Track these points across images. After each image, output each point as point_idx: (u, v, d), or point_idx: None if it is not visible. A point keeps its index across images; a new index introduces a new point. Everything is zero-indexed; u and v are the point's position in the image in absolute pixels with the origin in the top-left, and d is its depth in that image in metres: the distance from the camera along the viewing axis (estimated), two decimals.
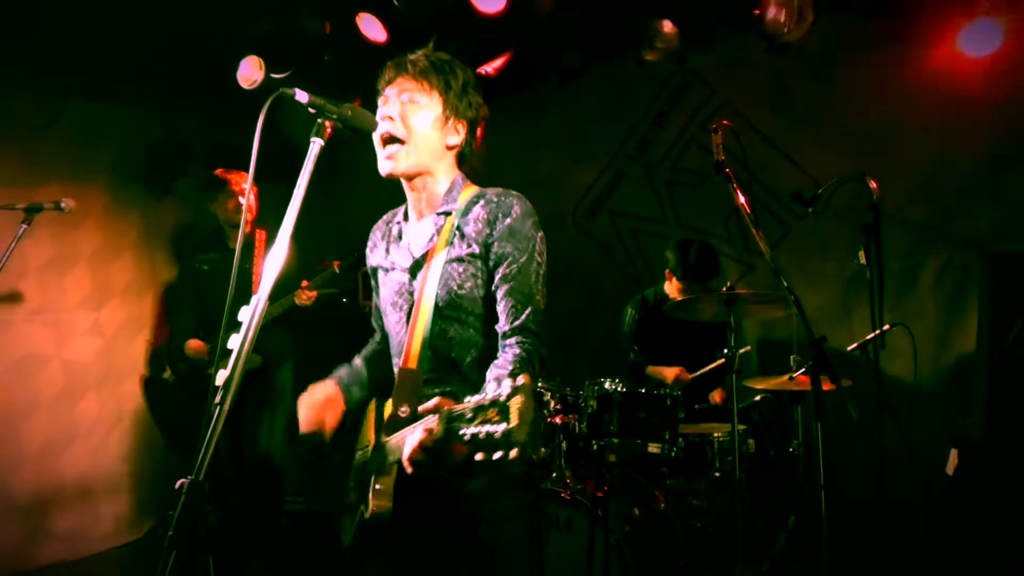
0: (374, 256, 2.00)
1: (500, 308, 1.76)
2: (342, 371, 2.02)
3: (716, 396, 3.57)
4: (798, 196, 3.23)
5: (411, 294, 1.84)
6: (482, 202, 1.82)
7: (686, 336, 3.71)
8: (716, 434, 3.20)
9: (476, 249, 1.78)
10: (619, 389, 2.99)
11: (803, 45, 3.79)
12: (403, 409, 1.66)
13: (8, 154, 4.05)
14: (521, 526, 1.79)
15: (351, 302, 4.93)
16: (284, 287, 3.60)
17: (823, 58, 3.92)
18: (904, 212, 3.72)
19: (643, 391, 3.01)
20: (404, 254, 1.89)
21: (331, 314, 4.76)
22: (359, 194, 5.62)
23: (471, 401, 1.32)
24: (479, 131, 1.92)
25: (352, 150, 5.21)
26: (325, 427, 1.89)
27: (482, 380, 1.67)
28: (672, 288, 3.76)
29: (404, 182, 1.89)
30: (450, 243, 1.80)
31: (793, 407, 3.27)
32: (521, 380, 1.27)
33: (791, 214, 4.07)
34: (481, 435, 1.27)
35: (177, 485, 1.35)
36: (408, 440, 1.51)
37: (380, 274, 1.97)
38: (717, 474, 3.16)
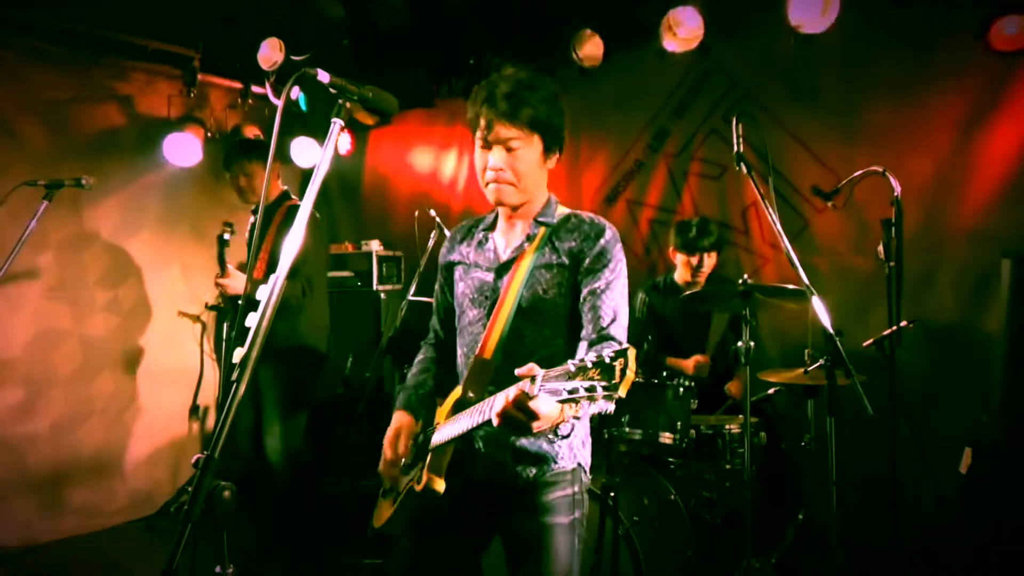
0: (455, 252, 2.08)
1: (588, 318, 1.84)
2: (409, 394, 2.06)
3: (732, 388, 3.56)
4: (818, 190, 3.22)
5: (495, 291, 1.93)
6: (575, 220, 1.96)
7: (696, 325, 3.71)
8: (728, 426, 3.19)
9: (566, 260, 1.89)
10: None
11: (827, 37, 3.75)
12: (471, 395, 1.75)
13: (31, 130, 4.09)
14: (565, 519, 1.84)
15: (366, 285, 4.95)
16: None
17: (847, 50, 3.88)
18: (925, 208, 3.68)
19: (655, 381, 3.01)
20: (489, 256, 1.99)
21: (345, 297, 4.80)
22: (375, 178, 5.65)
23: (570, 363, 1.38)
24: (568, 131, 1.98)
25: (367, 136, 5.22)
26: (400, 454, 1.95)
27: None
28: (681, 271, 3.74)
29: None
30: (540, 250, 1.91)
31: (806, 401, 3.26)
32: (626, 347, 1.35)
33: (811, 207, 4.04)
34: (581, 390, 1.33)
35: (193, 460, 1.37)
36: (498, 396, 1.59)
37: (458, 270, 2.05)
38: (728, 466, 3.16)
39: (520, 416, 1.53)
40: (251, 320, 1.55)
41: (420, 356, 2.18)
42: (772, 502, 3.25)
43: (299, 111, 4.66)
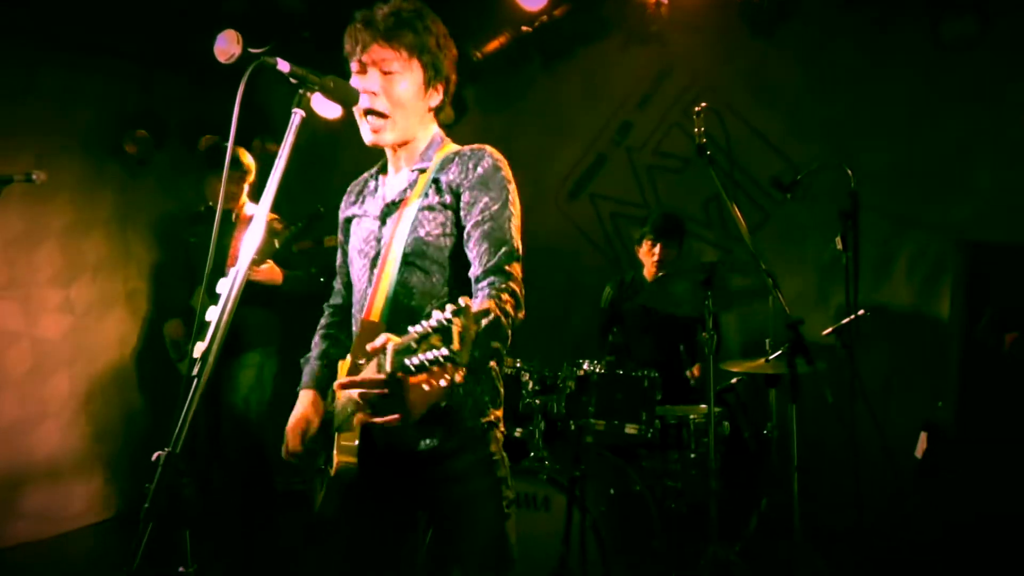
0: (348, 208, 1.98)
1: (473, 254, 1.72)
2: (312, 368, 1.96)
3: (695, 370, 3.61)
4: (777, 182, 3.27)
5: (378, 241, 1.82)
6: (456, 157, 1.81)
7: (657, 325, 3.76)
8: (692, 416, 3.23)
9: (448, 199, 1.76)
10: (597, 370, 3.01)
11: (784, 32, 3.83)
12: (361, 362, 1.55)
13: None
14: (484, 484, 1.75)
15: (328, 280, 4.89)
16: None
17: (805, 45, 3.95)
18: (881, 199, 3.77)
19: (621, 372, 3.04)
20: (377, 203, 1.88)
21: (307, 292, 4.73)
22: (340, 179, 5.59)
23: (413, 331, 1.28)
24: (454, 77, 1.87)
25: (333, 138, 5.16)
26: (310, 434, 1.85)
27: None
28: (646, 264, 3.80)
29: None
30: (424, 194, 1.78)
31: (768, 390, 3.32)
32: (462, 302, 1.23)
33: (770, 200, 4.11)
34: (426, 361, 1.24)
35: (153, 457, 1.34)
36: (354, 379, 1.50)
37: (352, 225, 1.94)
38: (692, 455, 3.20)
39: (385, 400, 1.43)
40: (211, 314, 1.52)
41: (321, 322, 2.05)
42: (736, 490, 3.31)
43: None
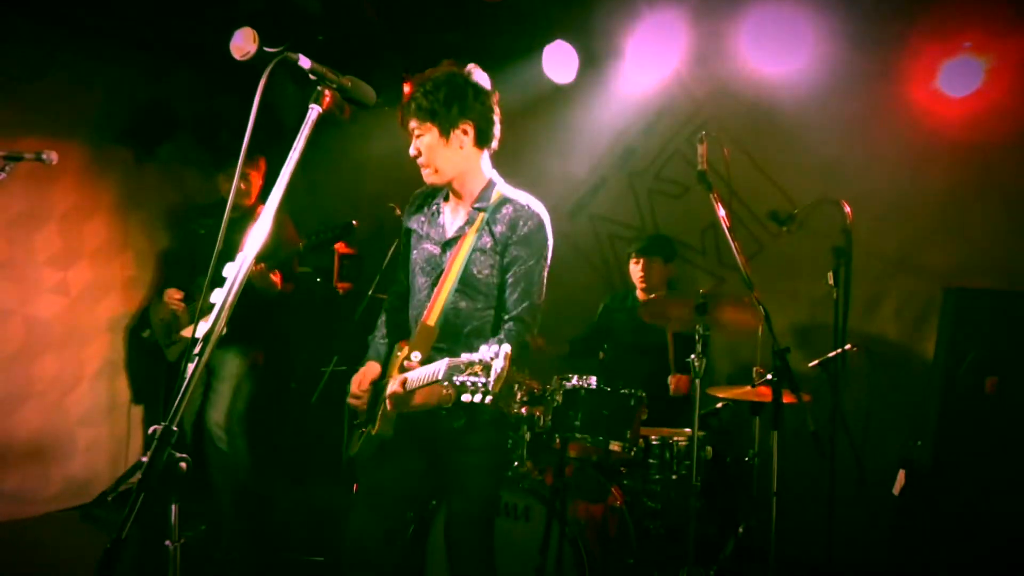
0: (412, 219, 2.47)
1: (506, 297, 2.27)
2: (377, 345, 2.49)
3: (674, 381, 3.63)
4: (774, 215, 3.34)
5: (439, 265, 2.32)
6: (509, 206, 2.30)
7: (646, 345, 3.80)
8: (676, 438, 3.27)
9: (497, 246, 2.27)
10: (586, 385, 3.04)
11: (791, 72, 3.91)
12: (416, 355, 2.18)
13: None
14: (486, 459, 2.33)
15: (325, 282, 4.93)
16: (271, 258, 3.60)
17: (809, 85, 4.03)
18: (874, 240, 3.84)
19: (608, 389, 3.07)
20: (439, 231, 2.36)
21: (305, 295, 4.77)
22: (341, 177, 5.64)
23: (466, 357, 1.82)
24: (492, 113, 2.32)
25: (337, 133, 5.22)
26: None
27: (476, 348, 2.11)
28: (636, 284, 3.88)
29: None
30: (478, 234, 2.28)
31: (752, 418, 3.36)
32: (506, 348, 1.79)
33: (766, 232, 4.17)
34: (468, 383, 1.79)
35: (150, 431, 1.37)
36: (411, 376, 2.14)
37: (414, 237, 2.45)
38: (674, 477, 3.23)
39: (414, 396, 2.14)
40: (216, 296, 1.56)
41: (386, 305, 2.59)
42: (715, 514, 3.33)
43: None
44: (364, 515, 2.35)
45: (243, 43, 4.12)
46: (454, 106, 2.25)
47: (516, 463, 3.05)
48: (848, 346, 3.20)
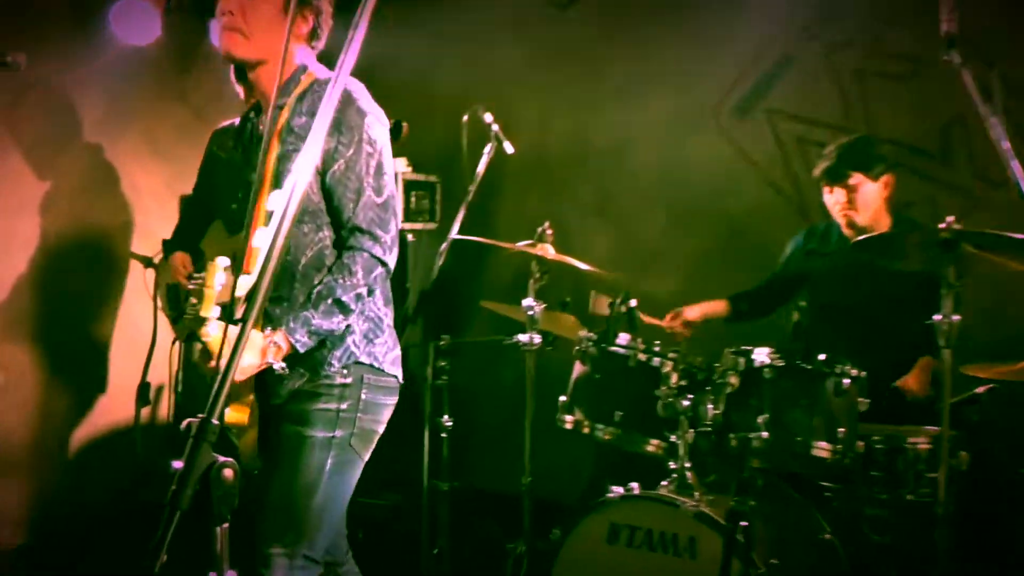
0: (217, 145, 2.83)
1: (335, 207, 2.47)
2: None
3: (910, 382, 3.56)
4: None
5: (252, 191, 2.45)
6: (314, 88, 2.52)
7: (863, 305, 3.74)
8: (911, 440, 3.19)
9: (302, 144, 2.39)
10: (773, 363, 3.00)
11: None
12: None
13: None
14: (327, 438, 2.52)
15: None
16: None
17: None
18: None
19: (808, 367, 3.02)
20: (242, 149, 2.66)
21: None
22: (398, 69, 5.69)
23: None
24: (328, 7, 2.61)
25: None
26: None
27: (318, 283, 2.44)
28: (836, 218, 3.82)
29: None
30: (282, 140, 2.47)
31: None
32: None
33: None
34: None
35: (184, 425, 1.43)
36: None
37: (219, 166, 2.80)
38: (909, 497, 3.16)
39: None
40: (261, 238, 1.60)
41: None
42: (974, 553, 3.24)
43: None
44: None
45: None
46: None
47: (674, 475, 3.05)
48: None
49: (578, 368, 3.34)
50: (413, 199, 5.07)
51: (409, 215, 5.05)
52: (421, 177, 5.18)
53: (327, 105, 1.66)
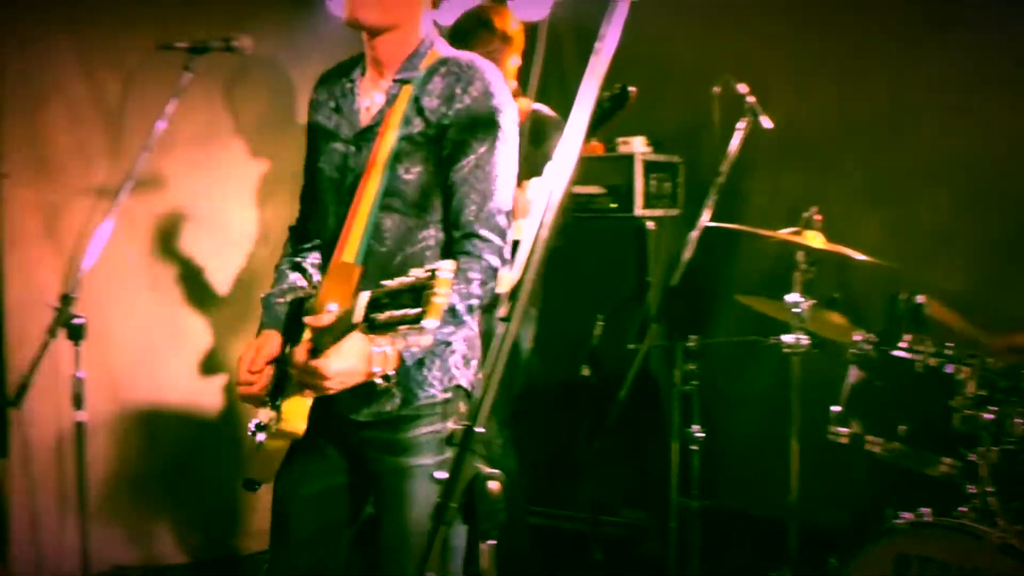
0: (318, 112, 2.60)
1: (453, 206, 2.38)
2: (273, 308, 2.57)
3: None
4: None
5: (352, 172, 2.43)
6: (443, 70, 2.39)
7: None
8: None
9: (430, 129, 2.36)
10: None
11: None
12: (331, 306, 2.05)
13: None
14: (438, 463, 2.34)
15: (623, 208, 5.00)
16: None
17: None
18: None
19: None
20: (351, 120, 2.49)
21: (592, 227, 4.90)
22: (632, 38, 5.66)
23: (395, 281, 1.81)
24: None
25: None
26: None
27: None
28: None
29: (363, 34, 2.43)
30: (406, 119, 2.37)
31: None
32: (447, 264, 1.73)
33: None
34: (395, 317, 1.78)
35: (446, 433, 1.49)
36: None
37: (320, 138, 2.57)
38: None
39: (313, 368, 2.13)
40: (521, 230, 1.64)
41: (287, 249, 2.74)
42: None
43: None
44: (280, 569, 2.54)
45: None
46: None
47: (974, 500, 2.93)
48: None
49: (854, 374, 3.29)
50: (653, 182, 5.03)
51: (648, 200, 5.02)
52: (662, 158, 5.14)
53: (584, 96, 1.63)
